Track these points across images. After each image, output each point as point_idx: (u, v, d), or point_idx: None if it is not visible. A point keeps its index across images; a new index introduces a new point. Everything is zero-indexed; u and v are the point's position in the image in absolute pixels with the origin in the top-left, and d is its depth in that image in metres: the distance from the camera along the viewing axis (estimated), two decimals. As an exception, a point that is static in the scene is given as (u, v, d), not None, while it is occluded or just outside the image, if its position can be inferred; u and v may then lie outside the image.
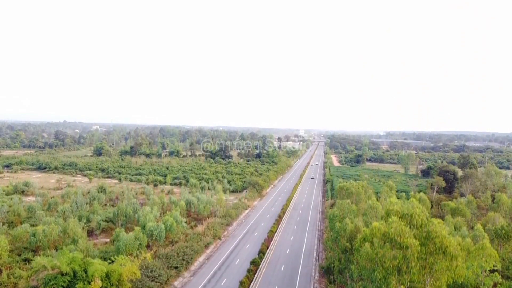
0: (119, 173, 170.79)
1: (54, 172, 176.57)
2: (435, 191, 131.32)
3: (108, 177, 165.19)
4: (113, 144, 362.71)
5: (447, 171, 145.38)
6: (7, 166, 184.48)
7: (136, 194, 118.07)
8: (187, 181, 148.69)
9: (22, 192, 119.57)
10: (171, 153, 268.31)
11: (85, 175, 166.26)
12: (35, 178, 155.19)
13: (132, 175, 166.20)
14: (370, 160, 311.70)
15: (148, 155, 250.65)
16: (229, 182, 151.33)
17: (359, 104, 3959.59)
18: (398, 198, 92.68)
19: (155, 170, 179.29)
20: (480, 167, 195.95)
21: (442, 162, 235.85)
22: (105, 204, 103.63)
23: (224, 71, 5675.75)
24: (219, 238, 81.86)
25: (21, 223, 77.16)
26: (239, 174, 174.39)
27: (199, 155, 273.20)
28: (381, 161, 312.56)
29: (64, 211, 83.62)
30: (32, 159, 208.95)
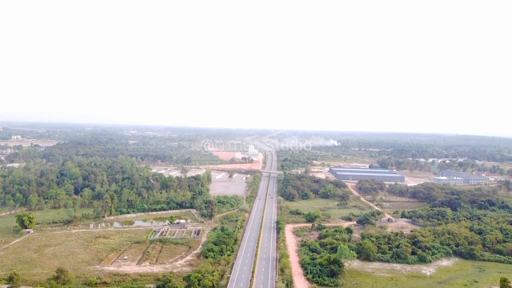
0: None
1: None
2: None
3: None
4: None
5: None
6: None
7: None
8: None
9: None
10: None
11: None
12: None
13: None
14: (367, 259, 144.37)
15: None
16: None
17: (344, 103, 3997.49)
18: None
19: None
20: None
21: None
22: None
23: (218, 70, 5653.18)
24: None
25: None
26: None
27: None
28: (399, 257, 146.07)
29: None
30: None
